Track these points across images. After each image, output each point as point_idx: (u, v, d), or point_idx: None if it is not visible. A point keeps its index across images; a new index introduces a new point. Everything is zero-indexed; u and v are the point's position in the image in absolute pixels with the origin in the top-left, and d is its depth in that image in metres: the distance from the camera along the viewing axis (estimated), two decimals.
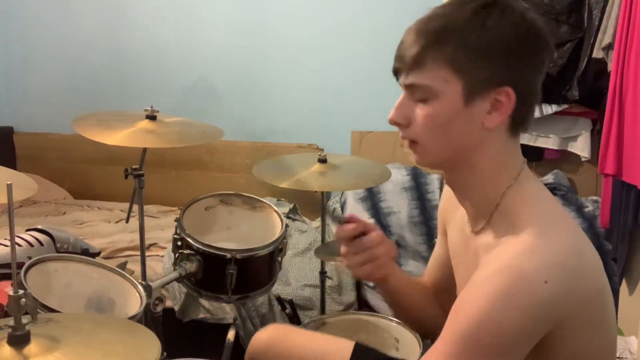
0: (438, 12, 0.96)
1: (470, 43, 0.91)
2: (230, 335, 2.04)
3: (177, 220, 1.93)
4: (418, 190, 2.93)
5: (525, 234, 0.90)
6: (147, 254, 1.98)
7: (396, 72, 0.99)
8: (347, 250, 1.22)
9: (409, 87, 0.97)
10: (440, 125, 0.95)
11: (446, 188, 1.21)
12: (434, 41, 0.93)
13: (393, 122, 0.99)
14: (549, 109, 2.80)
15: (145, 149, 1.82)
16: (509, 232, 0.93)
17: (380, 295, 1.40)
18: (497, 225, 0.97)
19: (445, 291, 1.23)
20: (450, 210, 1.16)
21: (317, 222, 3.11)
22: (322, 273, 2.18)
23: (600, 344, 0.96)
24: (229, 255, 1.85)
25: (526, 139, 2.88)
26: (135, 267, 2.30)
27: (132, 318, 1.50)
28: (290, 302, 2.41)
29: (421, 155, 1.00)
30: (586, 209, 2.72)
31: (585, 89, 2.71)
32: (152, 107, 1.83)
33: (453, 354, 0.88)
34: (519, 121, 0.98)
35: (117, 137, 1.72)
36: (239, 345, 2.33)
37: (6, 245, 2.12)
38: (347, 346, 1.20)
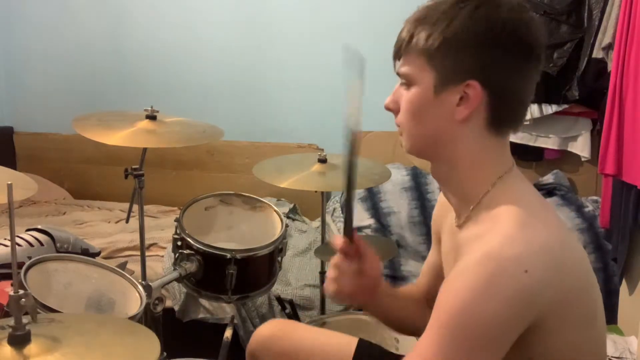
0: (427, 3, 0.99)
1: (440, 34, 0.94)
2: (228, 333, 2.04)
3: (177, 220, 1.93)
4: (418, 190, 2.93)
5: (507, 224, 0.90)
6: (147, 254, 1.98)
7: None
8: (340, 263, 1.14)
9: (398, 75, 1.02)
10: (415, 112, 0.99)
11: (440, 195, 1.21)
12: (413, 31, 0.97)
13: (386, 107, 1.05)
14: (549, 109, 2.80)
15: (145, 149, 1.82)
16: (491, 225, 0.93)
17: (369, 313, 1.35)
18: (479, 219, 0.97)
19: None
20: (443, 214, 1.16)
21: (317, 222, 3.11)
22: (322, 273, 2.18)
23: (586, 342, 0.95)
24: (229, 255, 1.85)
25: (526, 139, 2.89)
26: (135, 267, 2.30)
27: (132, 318, 1.50)
28: (290, 302, 2.41)
29: (404, 142, 1.04)
30: (586, 209, 2.72)
31: (585, 89, 2.71)
32: (152, 107, 1.83)
33: (438, 345, 0.88)
34: (498, 119, 0.97)
35: (117, 137, 1.72)
36: (238, 345, 2.33)
37: (6, 245, 2.12)
38: (349, 341, 1.20)
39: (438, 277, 1.21)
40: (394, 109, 1.04)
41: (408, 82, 0.99)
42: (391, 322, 1.34)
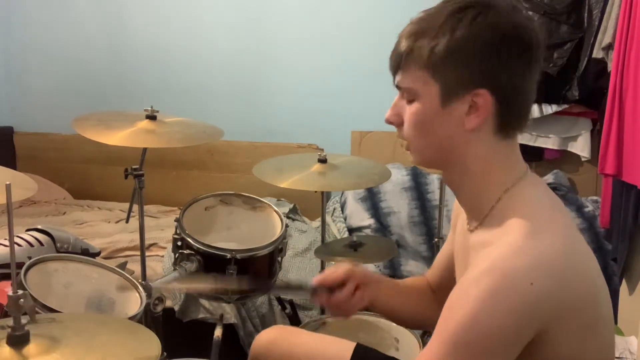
0: (421, 15, 0.97)
1: (442, 46, 0.92)
2: (218, 332, 2.03)
3: (177, 220, 1.93)
4: (418, 190, 2.93)
5: (515, 235, 0.90)
6: (147, 254, 1.98)
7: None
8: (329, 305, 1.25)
9: (398, 88, 1.01)
10: (422, 125, 0.98)
11: None
12: (412, 44, 0.95)
13: (387, 121, 1.03)
14: (549, 109, 2.80)
15: (145, 149, 1.82)
16: (500, 233, 0.92)
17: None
18: (489, 226, 0.97)
19: (448, 288, 1.22)
20: (460, 209, 1.16)
21: (317, 222, 3.11)
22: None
23: (593, 351, 0.94)
24: (229, 255, 1.85)
25: (526, 139, 2.88)
26: (135, 267, 2.30)
27: (132, 318, 1.50)
28: (290, 302, 2.41)
29: (413, 154, 1.03)
30: (586, 209, 2.72)
31: (585, 89, 2.71)
32: (152, 107, 1.83)
33: (443, 355, 0.88)
34: (506, 123, 0.97)
35: (117, 137, 1.72)
36: (238, 345, 2.33)
37: (6, 246, 2.12)
38: (347, 347, 1.20)
39: (450, 267, 1.21)
40: (395, 122, 1.02)
41: (411, 96, 0.98)
42: (396, 317, 1.37)
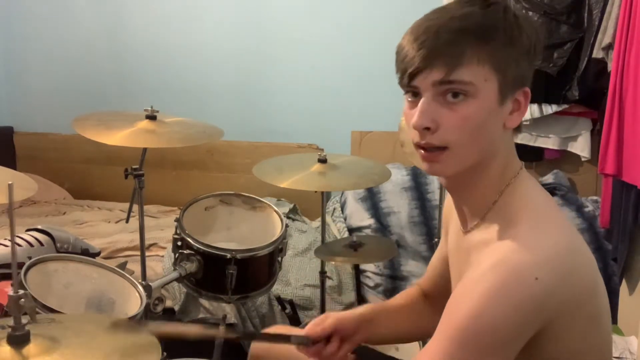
0: (468, 11, 0.92)
1: (512, 42, 0.92)
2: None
3: (177, 220, 1.93)
4: (418, 190, 2.93)
5: (518, 231, 0.90)
6: (147, 254, 1.98)
7: (416, 73, 0.92)
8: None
9: (441, 86, 0.91)
10: (476, 126, 0.92)
11: None
12: (479, 38, 0.90)
13: (421, 127, 0.92)
14: (549, 109, 2.80)
15: (145, 149, 1.82)
16: (502, 230, 0.93)
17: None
18: (490, 223, 0.97)
19: (443, 294, 1.22)
20: (452, 209, 1.16)
21: (317, 222, 3.11)
22: (322, 273, 2.18)
23: (594, 343, 0.95)
24: (229, 255, 1.85)
25: (526, 139, 2.88)
26: (135, 267, 2.30)
27: (132, 318, 1.50)
28: (290, 302, 2.41)
29: (448, 164, 0.95)
30: (586, 209, 2.72)
31: (585, 89, 2.71)
32: (152, 107, 1.83)
33: (448, 350, 0.89)
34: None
35: (117, 137, 1.72)
36: (232, 344, 2.33)
37: (6, 246, 2.12)
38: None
39: (444, 272, 1.21)
40: (433, 128, 0.92)
41: (464, 93, 0.90)
42: (392, 340, 1.36)
